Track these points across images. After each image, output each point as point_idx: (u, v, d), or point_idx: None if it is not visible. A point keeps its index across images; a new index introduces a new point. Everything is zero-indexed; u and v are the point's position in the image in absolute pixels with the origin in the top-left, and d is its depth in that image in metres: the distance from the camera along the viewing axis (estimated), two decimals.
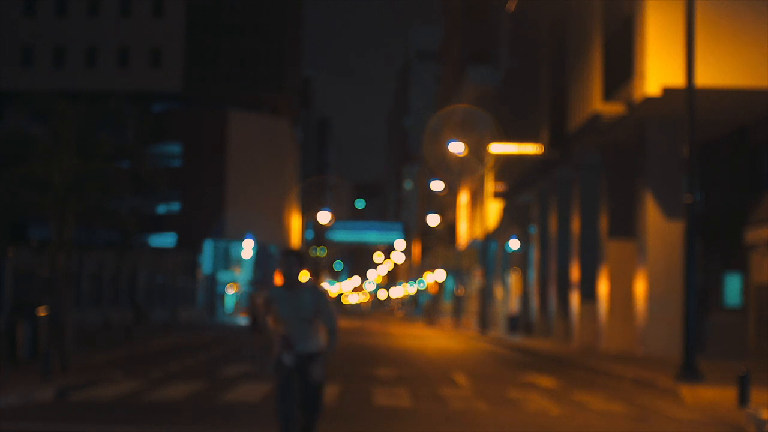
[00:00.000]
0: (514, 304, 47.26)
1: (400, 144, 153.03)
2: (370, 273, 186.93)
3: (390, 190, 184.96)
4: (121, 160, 23.94)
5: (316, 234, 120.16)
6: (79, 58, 77.86)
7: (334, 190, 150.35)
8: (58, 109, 21.48)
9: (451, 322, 63.70)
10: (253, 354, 25.47)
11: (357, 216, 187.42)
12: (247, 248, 74.57)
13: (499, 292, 52.07)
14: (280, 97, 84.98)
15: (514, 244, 46.37)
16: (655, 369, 19.63)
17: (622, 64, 25.02)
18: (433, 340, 39.45)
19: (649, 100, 22.83)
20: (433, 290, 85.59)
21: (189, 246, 69.93)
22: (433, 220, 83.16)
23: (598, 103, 27.43)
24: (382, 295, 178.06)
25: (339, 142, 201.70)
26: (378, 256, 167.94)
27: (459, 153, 52.08)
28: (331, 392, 16.11)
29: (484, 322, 45.83)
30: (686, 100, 17.85)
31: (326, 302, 8.28)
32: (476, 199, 59.01)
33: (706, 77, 21.37)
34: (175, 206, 74.33)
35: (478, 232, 55.21)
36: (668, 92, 21.93)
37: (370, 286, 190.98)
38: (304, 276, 8.33)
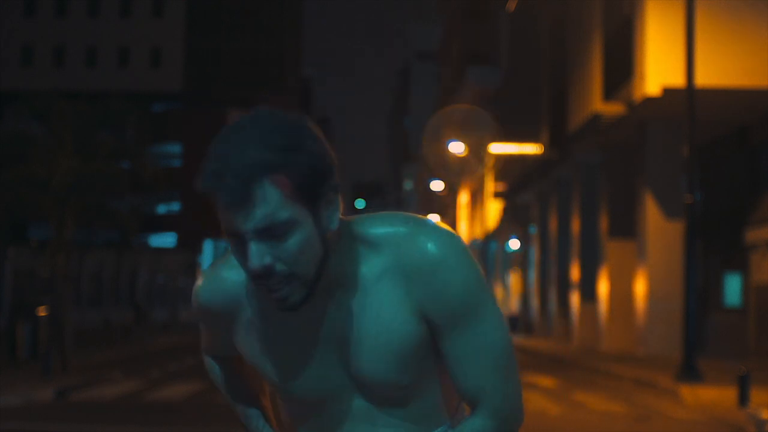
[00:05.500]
0: (514, 304, 47.23)
1: (400, 144, 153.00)
2: None
3: (390, 190, 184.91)
4: (121, 160, 23.94)
5: None
6: (79, 58, 77.85)
7: None
8: (57, 109, 21.49)
9: None
10: None
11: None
12: None
13: (499, 292, 52.05)
14: (280, 97, 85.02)
15: (514, 244, 46.36)
16: (655, 369, 19.63)
17: (622, 64, 25.01)
18: None
19: (649, 100, 22.82)
20: None
21: (189, 246, 69.91)
22: (432, 220, 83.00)
23: (598, 103, 27.43)
24: None
25: (339, 142, 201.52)
26: None
27: (459, 153, 52.07)
28: None
29: None
30: (686, 100, 17.85)
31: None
32: (476, 199, 58.99)
33: (706, 77, 21.36)
34: (175, 206, 74.30)
35: (478, 232, 55.19)
36: (668, 92, 21.92)
37: None
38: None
